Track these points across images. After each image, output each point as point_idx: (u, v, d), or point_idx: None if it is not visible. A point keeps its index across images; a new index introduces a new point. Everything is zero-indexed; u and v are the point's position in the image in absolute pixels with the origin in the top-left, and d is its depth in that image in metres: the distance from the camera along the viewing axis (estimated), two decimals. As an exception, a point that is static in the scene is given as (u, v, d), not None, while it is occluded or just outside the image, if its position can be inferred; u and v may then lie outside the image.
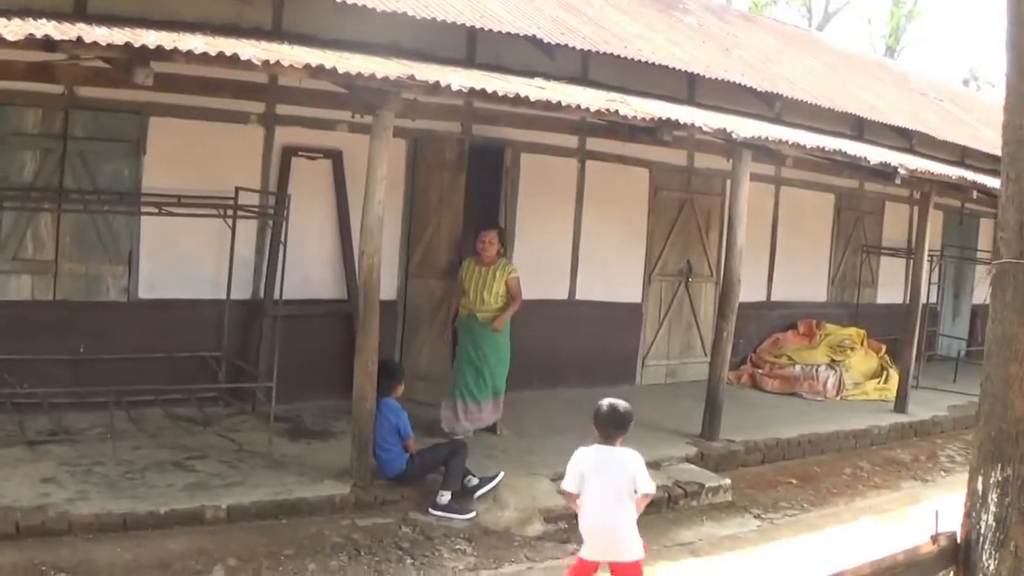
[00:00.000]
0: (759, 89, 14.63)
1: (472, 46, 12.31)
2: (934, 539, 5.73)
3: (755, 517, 10.00)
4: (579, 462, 6.77)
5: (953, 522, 5.78)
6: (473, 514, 9.06)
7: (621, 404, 6.93)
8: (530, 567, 8.27)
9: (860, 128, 16.80)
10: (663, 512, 9.64)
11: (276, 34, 10.64)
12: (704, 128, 10.66)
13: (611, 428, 6.86)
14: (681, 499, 9.98)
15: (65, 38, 7.10)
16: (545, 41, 12.13)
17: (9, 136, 9.82)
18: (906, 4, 41.20)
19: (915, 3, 41.54)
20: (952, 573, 5.82)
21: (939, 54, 53.15)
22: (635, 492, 6.72)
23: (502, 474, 9.53)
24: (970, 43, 64.03)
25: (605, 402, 6.94)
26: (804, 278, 17.30)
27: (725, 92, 14.21)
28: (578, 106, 9.73)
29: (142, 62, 7.40)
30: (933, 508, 5.95)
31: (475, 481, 9.36)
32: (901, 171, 12.86)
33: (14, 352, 9.72)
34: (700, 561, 8.66)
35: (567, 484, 6.78)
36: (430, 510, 8.98)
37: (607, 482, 6.70)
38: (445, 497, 9.06)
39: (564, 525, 8.92)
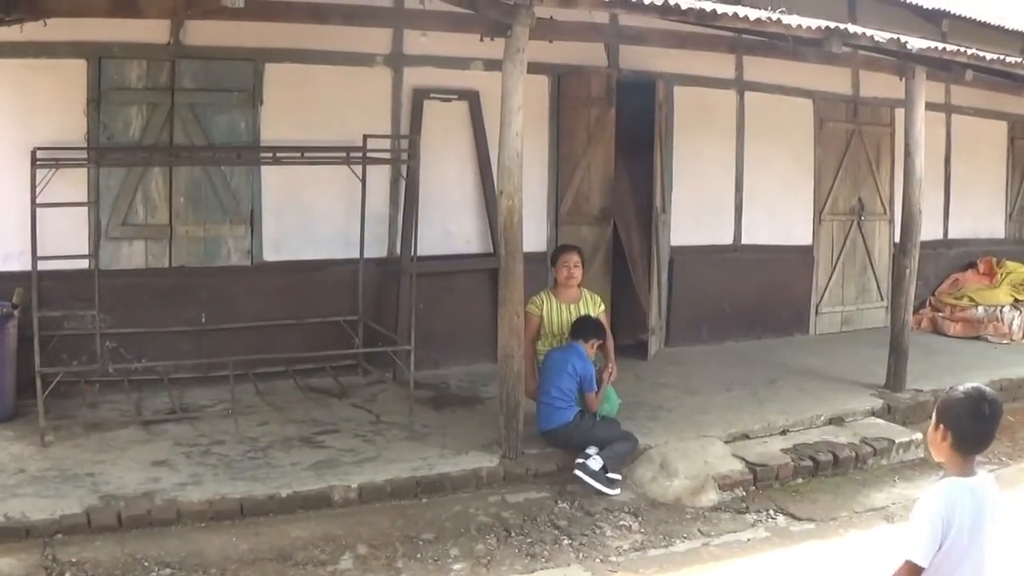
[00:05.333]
0: (925, 6, 13.06)
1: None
2: None
3: (950, 475, 8.39)
4: (947, 507, 3.69)
5: None
6: (618, 491, 7.46)
7: (988, 392, 3.81)
8: (705, 543, 6.89)
9: (1029, 52, 14.85)
10: (850, 473, 8.37)
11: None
12: (876, 38, 9.16)
13: (984, 438, 3.84)
14: (870, 457, 8.58)
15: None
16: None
17: (111, 92, 8.82)
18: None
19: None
20: None
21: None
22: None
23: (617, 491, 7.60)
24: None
25: (968, 391, 3.79)
26: (981, 213, 15.54)
27: (887, 13, 12.60)
28: (735, 14, 8.19)
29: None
30: None
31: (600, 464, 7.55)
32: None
33: (130, 325, 8.91)
34: (895, 528, 7.26)
35: (921, 552, 3.64)
36: (576, 472, 7.43)
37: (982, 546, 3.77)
38: (598, 463, 7.45)
39: (742, 493, 7.71)
